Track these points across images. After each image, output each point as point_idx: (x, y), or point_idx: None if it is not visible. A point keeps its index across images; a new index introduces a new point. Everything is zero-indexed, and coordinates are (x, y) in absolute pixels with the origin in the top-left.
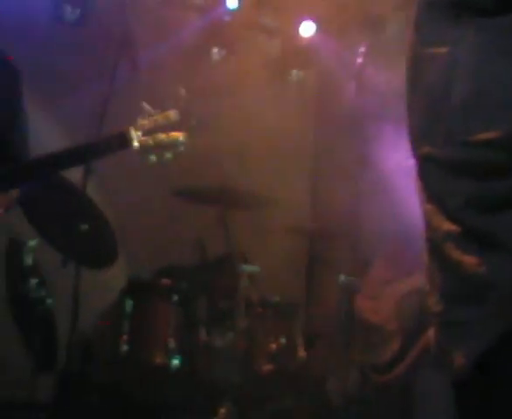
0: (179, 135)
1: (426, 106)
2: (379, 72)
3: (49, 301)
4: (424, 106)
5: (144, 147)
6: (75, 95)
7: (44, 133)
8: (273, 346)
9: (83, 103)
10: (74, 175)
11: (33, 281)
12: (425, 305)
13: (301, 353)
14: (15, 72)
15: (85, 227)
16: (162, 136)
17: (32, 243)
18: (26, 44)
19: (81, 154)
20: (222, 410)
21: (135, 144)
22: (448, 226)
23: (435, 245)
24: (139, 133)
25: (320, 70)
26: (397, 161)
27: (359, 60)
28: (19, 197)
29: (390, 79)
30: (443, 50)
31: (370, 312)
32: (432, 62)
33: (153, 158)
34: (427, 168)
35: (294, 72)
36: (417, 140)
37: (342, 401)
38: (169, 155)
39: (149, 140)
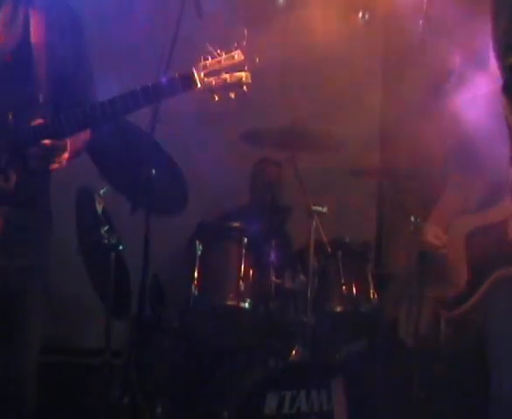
0: (243, 75)
1: None
2: (447, 7)
3: (120, 248)
4: (510, 14)
5: (207, 88)
6: (142, 43)
7: (114, 84)
8: (345, 287)
9: (151, 51)
10: (142, 120)
11: (104, 228)
12: (496, 241)
13: (373, 294)
14: (77, 17)
15: (153, 172)
16: (225, 76)
17: (102, 190)
18: None
19: (145, 96)
20: (294, 352)
21: (198, 85)
22: None
23: None
24: (202, 74)
25: (386, 9)
26: (470, 91)
27: None
28: (87, 142)
29: (459, 12)
30: None
31: (439, 242)
32: None
33: (216, 98)
34: None
35: (361, 12)
36: (503, 51)
37: (414, 342)
38: (232, 96)
39: (212, 81)
